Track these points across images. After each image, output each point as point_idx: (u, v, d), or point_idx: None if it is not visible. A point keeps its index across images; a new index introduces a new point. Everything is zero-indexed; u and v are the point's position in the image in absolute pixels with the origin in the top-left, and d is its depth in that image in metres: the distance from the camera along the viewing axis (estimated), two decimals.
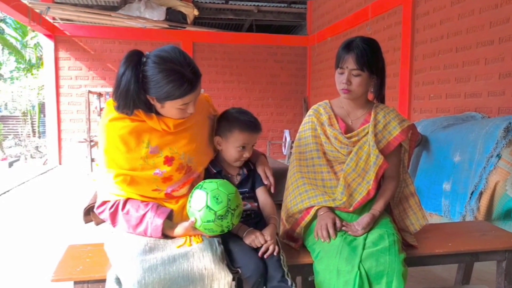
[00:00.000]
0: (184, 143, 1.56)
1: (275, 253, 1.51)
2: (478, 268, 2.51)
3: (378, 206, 1.74)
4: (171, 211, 1.53)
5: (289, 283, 1.46)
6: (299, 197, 1.78)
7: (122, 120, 1.46)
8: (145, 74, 1.38)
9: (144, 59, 1.40)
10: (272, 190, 1.75)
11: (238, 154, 1.67)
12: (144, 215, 1.47)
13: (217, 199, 1.42)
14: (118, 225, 1.51)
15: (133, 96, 1.38)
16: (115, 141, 1.46)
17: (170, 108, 1.44)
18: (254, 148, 1.78)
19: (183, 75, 1.37)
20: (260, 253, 1.50)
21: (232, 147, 1.67)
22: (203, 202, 1.42)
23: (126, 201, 1.50)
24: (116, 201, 1.50)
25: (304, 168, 1.84)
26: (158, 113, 1.49)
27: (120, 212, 1.49)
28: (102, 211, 1.52)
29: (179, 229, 1.48)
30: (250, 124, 1.68)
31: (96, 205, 1.54)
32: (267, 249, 1.51)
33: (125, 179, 1.48)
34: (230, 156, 1.69)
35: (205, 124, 1.69)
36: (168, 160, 1.53)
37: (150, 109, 1.47)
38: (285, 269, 1.50)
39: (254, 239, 1.53)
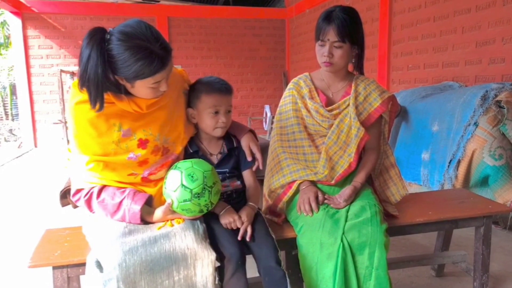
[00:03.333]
0: (159, 124, 1.48)
1: (247, 238, 1.50)
2: (456, 234, 2.58)
3: (359, 178, 1.74)
4: (150, 197, 1.48)
5: (282, 265, 1.45)
6: (280, 172, 1.76)
7: (89, 102, 1.33)
8: (111, 53, 1.27)
9: (108, 36, 1.28)
10: (260, 167, 1.68)
11: (213, 121, 1.57)
12: (120, 202, 1.41)
13: (192, 176, 1.36)
14: (95, 212, 1.46)
15: (103, 79, 1.27)
16: (84, 125, 1.37)
17: (141, 88, 1.34)
18: (236, 121, 1.72)
19: (151, 51, 1.27)
20: (239, 237, 1.48)
21: (205, 114, 1.57)
22: (178, 182, 1.37)
23: (101, 189, 1.43)
24: (91, 189, 1.43)
25: (285, 142, 1.82)
26: (128, 93, 1.39)
27: (95, 201, 1.43)
28: (78, 199, 1.47)
29: (158, 213, 1.43)
30: (216, 85, 1.58)
31: (71, 193, 1.48)
32: (245, 231, 1.49)
33: (98, 165, 1.41)
34: (206, 126, 1.59)
35: (180, 101, 1.60)
36: (142, 143, 1.45)
37: (119, 90, 1.37)
38: (279, 252, 1.48)
39: (231, 222, 1.50)
